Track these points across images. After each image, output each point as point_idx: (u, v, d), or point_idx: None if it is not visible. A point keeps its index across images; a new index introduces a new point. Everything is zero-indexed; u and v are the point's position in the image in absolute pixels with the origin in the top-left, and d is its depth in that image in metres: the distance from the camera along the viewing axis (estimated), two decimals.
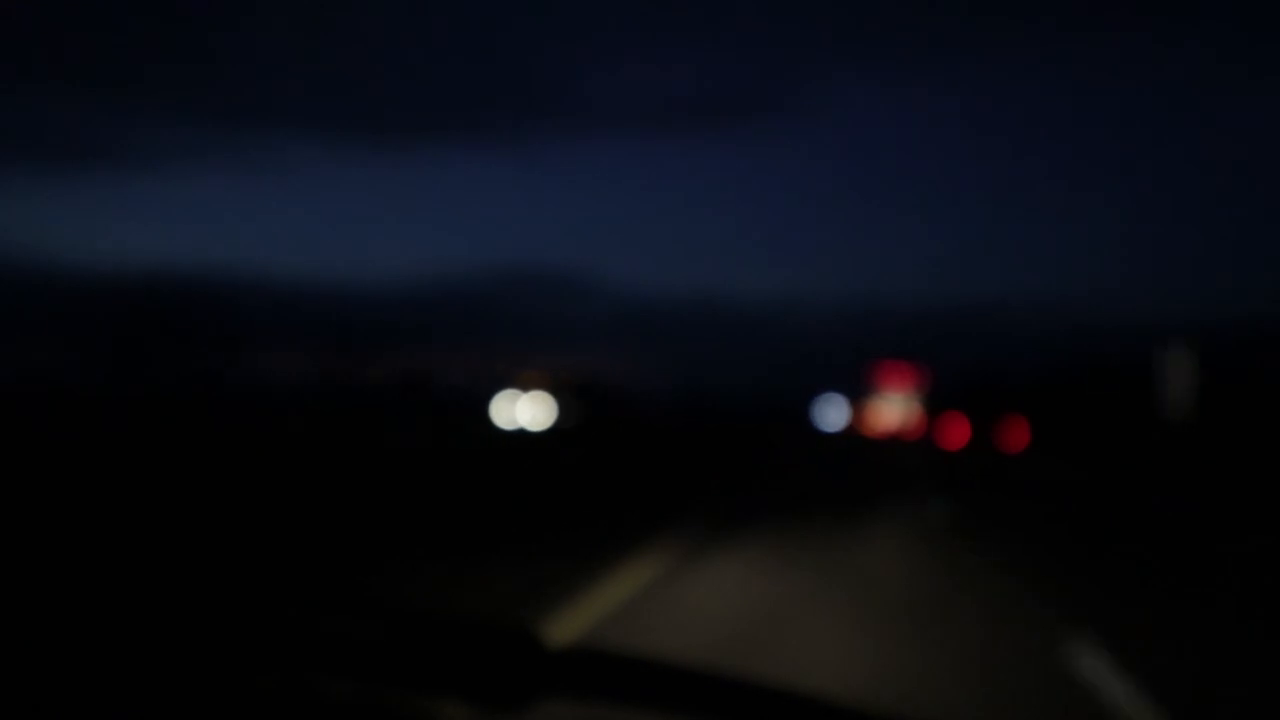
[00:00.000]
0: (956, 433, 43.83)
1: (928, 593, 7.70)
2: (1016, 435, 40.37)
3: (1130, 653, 5.36)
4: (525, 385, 38.99)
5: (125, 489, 12.34)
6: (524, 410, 38.04)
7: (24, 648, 0.97)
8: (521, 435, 35.49)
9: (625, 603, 6.67)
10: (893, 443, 44.71)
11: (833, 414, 58.77)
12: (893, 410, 50.45)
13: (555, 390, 39.41)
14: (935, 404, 49.22)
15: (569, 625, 5.79)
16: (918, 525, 12.63)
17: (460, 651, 0.92)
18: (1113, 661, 5.18)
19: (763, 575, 8.15)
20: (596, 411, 40.44)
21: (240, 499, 12.44)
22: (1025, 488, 21.29)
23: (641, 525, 10.63)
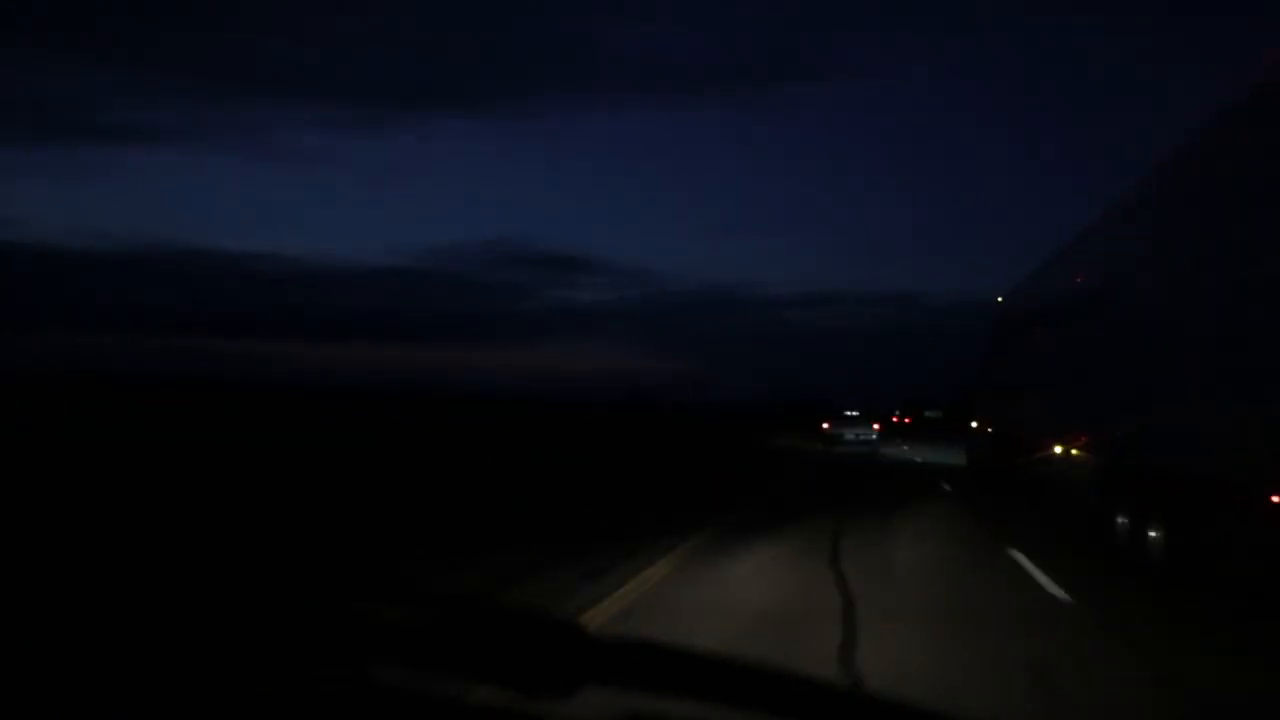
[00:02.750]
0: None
1: None
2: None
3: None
4: None
5: (126, 477, 12.32)
6: None
7: (60, 644, 1.03)
8: None
9: None
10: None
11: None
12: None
13: None
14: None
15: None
16: None
17: (504, 638, 0.99)
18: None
19: None
20: None
21: (247, 486, 12.53)
22: None
23: None
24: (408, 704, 0.99)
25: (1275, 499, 6.52)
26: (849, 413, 42.89)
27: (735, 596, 7.58)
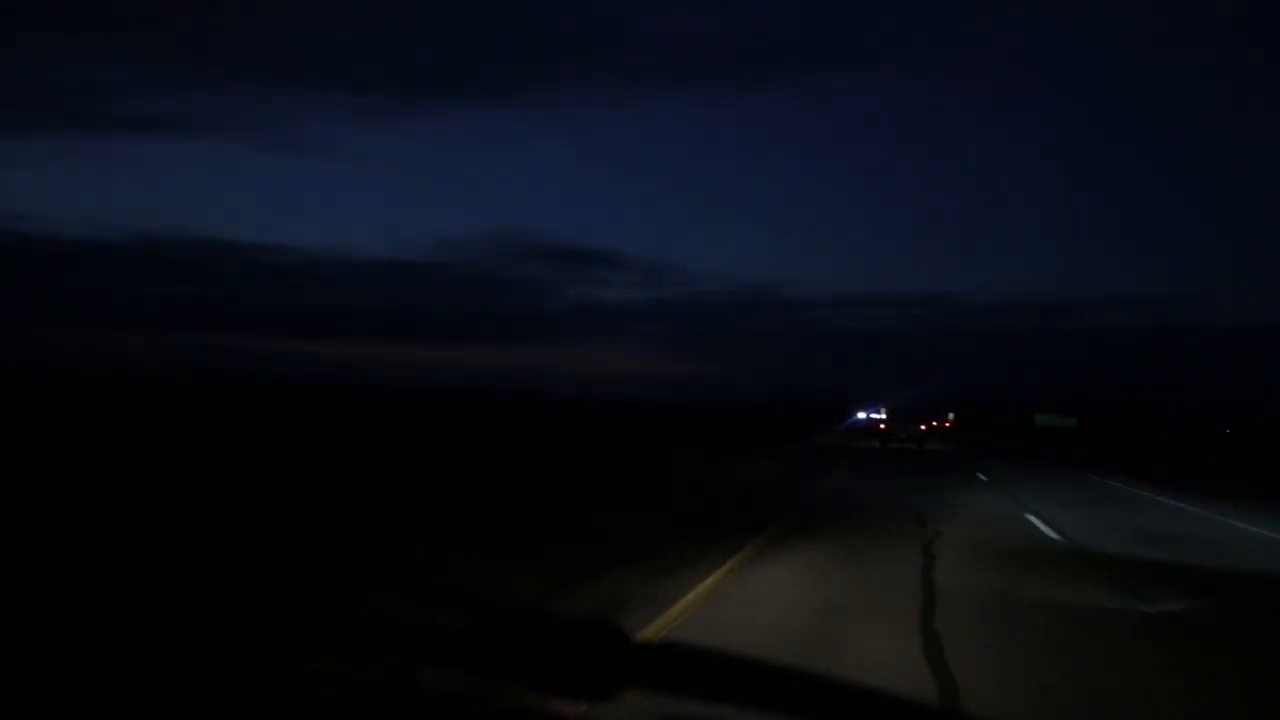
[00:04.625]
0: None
1: None
2: None
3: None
4: None
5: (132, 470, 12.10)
6: None
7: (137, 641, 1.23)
8: None
9: None
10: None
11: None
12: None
13: None
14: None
15: None
16: None
17: (550, 643, 1.06)
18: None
19: None
20: None
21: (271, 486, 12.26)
22: None
23: None
24: (448, 704, 1.05)
25: None
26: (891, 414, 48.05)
27: None
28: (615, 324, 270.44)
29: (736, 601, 6.63)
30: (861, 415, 69.34)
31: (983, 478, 23.20)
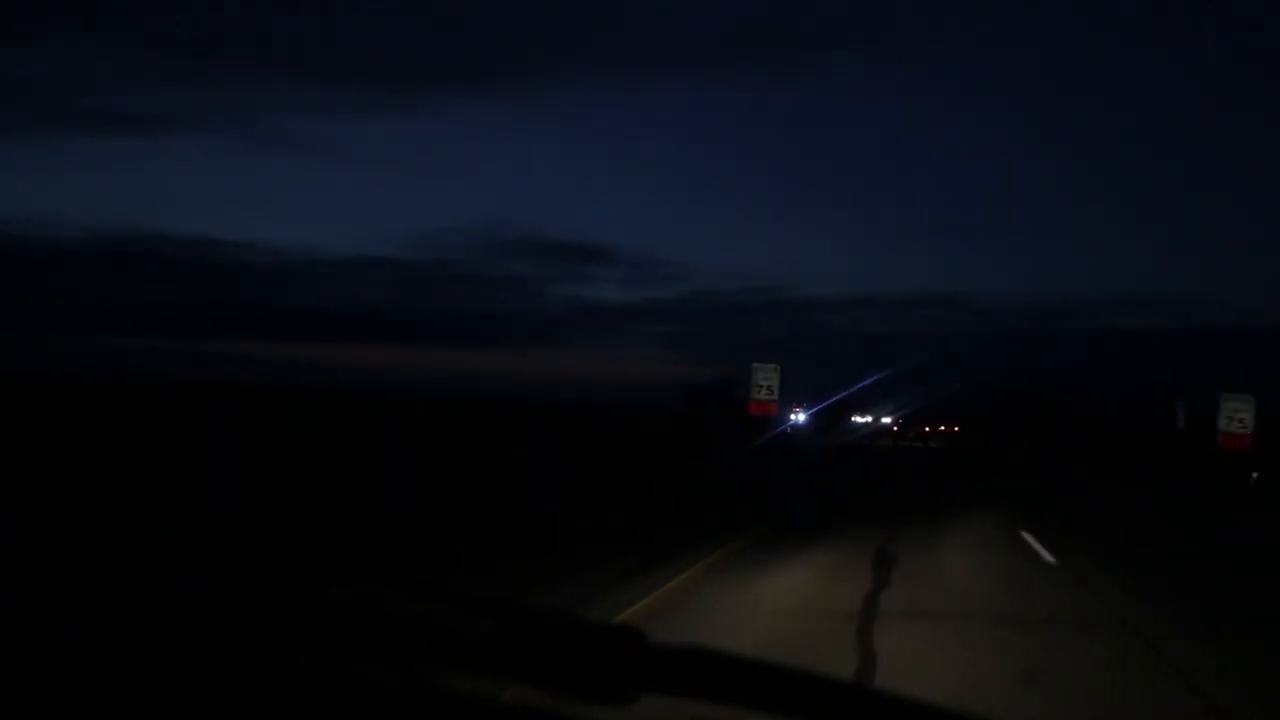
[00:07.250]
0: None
1: None
2: None
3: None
4: None
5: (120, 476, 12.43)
6: None
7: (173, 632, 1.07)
8: None
9: None
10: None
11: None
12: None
13: None
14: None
15: None
16: None
17: (565, 646, 0.96)
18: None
19: None
20: None
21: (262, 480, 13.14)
22: None
23: None
24: (464, 708, 0.98)
25: None
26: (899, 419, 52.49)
27: None
28: (605, 323, 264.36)
29: None
30: (797, 418, 53.76)
31: None
